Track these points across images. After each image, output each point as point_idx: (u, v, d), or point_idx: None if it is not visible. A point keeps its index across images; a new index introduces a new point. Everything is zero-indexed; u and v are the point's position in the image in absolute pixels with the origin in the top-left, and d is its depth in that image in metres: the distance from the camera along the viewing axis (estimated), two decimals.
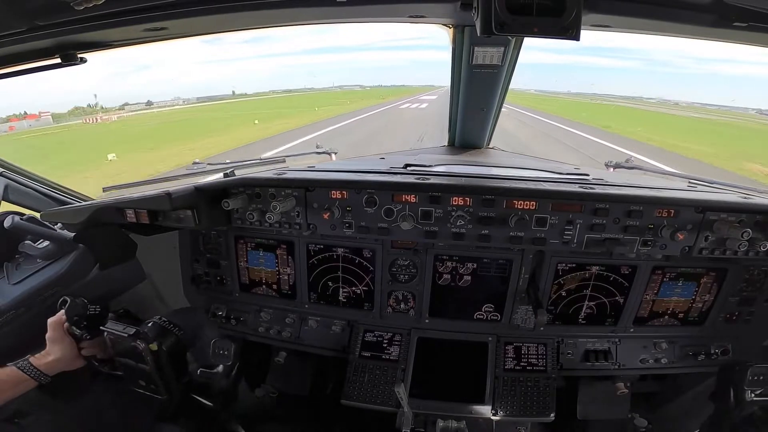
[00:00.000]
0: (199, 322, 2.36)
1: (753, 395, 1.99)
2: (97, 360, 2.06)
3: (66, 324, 1.93)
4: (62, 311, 1.93)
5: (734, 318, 2.18)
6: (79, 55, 1.61)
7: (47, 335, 1.90)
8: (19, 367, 1.79)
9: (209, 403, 2.18)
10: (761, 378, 1.96)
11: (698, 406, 2.40)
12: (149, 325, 2.03)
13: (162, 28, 1.50)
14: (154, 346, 1.92)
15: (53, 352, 1.88)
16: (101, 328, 1.94)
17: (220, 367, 2.14)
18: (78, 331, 1.94)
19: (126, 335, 1.88)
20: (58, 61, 1.59)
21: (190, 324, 2.21)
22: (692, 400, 2.46)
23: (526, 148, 13.01)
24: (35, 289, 2.11)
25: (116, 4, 1.15)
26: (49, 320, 1.92)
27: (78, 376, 2.01)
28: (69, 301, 1.92)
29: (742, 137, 23.89)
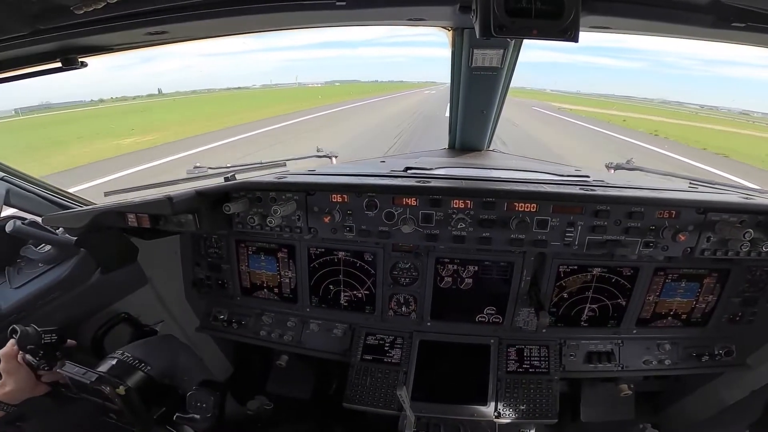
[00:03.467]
0: (171, 349, 2.11)
1: None
2: (61, 386, 1.88)
3: (20, 354, 1.79)
4: (11, 341, 1.77)
5: (737, 319, 2.17)
6: (80, 59, 1.61)
7: (0, 367, 1.78)
8: None
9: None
10: None
11: (704, 407, 2.39)
12: (113, 363, 1.83)
13: (163, 32, 1.50)
14: (121, 390, 1.70)
15: (8, 384, 1.76)
16: (57, 371, 1.76)
17: (199, 417, 1.88)
18: (35, 360, 1.79)
19: (88, 382, 1.69)
20: (59, 65, 1.60)
21: (162, 355, 2.00)
22: (698, 403, 2.45)
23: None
24: (37, 293, 2.10)
25: (117, 8, 1.15)
26: (0, 352, 1.79)
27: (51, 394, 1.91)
28: (19, 330, 1.75)
29: None
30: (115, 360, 1.84)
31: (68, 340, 1.90)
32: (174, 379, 1.94)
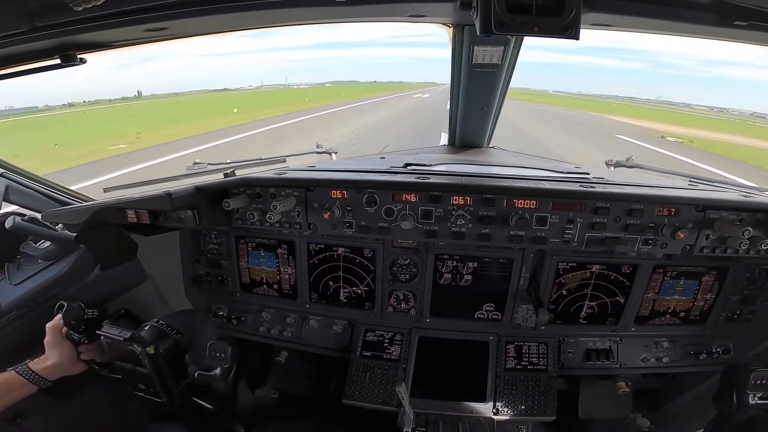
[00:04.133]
0: (198, 323, 2.34)
1: (756, 399, 1.98)
2: (96, 364, 2.04)
3: (64, 329, 1.91)
4: (59, 315, 1.91)
5: (735, 317, 2.18)
6: (79, 56, 1.61)
7: (45, 340, 1.89)
8: (18, 372, 1.79)
9: (209, 406, 2.17)
10: (764, 382, 1.96)
11: (700, 405, 2.40)
12: (146, 328, 2.02)
13: (162, 29, 1.50)
14: (151, 350, 1.89)
15: (52, 357, 1.87)
16: (97, 332, 1.91)
17: (218, 370, 2.11)
18: (76, 335, 1.93)
19: (122, 339, 1.86)
20: (58, 61, 1.59)
21: (189, 326, 2.18)
22: (694, 399, 2.46)
23: None
24: (37, 289, 2.11)
25: (116, 4, 1.15)
26: (47, 325, 1.91)
27: (79, 379, 2.00)
28: (66, 305, 1.90)
29: None
30: (148, 325, 2.05)
31: (106, 317, 2.04)
32: (197, 348, 2.16)
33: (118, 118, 26.78)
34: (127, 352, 1.90)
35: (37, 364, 1.83)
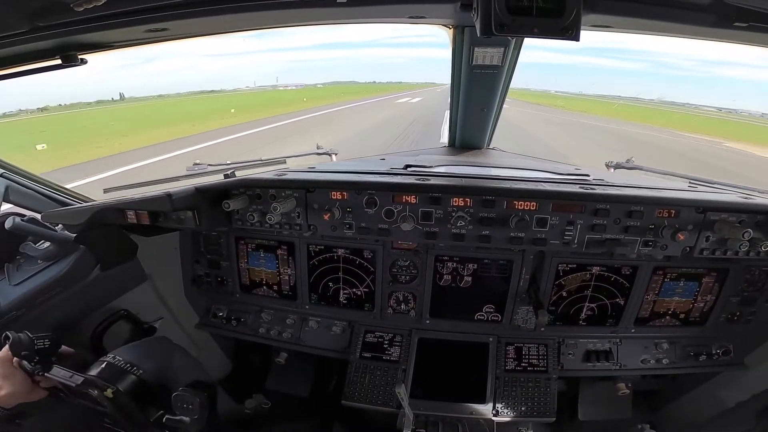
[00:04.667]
0: (165, 351, 2.10)
1: None
2: (61, 391, 1.85)
3: (14, 359, 1.75)
4: (6, 347, 1.74)
5: (735, 318, 2.18)
6: (80, 56, 1.60)
7: None
8: None
9: None
10: None
11: (700, 406, 2.40)
12: (103, 366, 1.81)
13: (163, 29, 1.50)
14: (109, 393, 1.69)
15: (4, 387, 1.74)
16: (45, 375, 1.74)
17: (188, 419, 1.84)
18: (29, 366, 1.75)
19: (74, 385, 1.68)
20: (59, 62, 1.59)
21: (155, 357, 1.99)
22: (695, 402, 2.46)
23: None
24: (36, 289, 2.10)
25: (117, 5, 1.15)
26: None
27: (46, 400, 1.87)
28: (12, 337, 1.72)
29: None
30: (105, 363, 1.82)
31: (63, 347, 1.87)
32: (168, 382, 1.91)
33: (91, 124, 23.41)
34: (83, 396, 1.73)
35: None
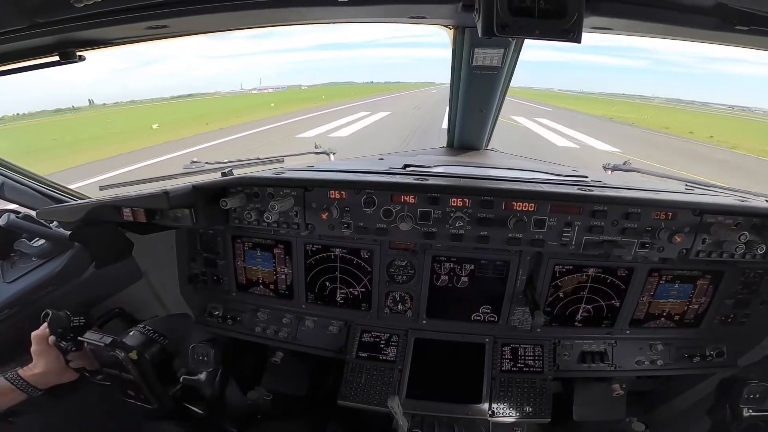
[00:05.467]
0: (186, 327, 2.32)
1: (750, 411, 2.00)
2: (87, 371, 2.02)
3: (51, 337, 1.88)
4: (45, 324, 1.88)
5: (730, 320, 2.20)
6: (78, 53, 1.59)
7: (32, 349, 1.87)
8: (7, 378, 1.77)
9: (200, 411, 2.15)
10: (757, 396, 1.98)
11: (694, 408, 2.41)
12: (131, 334, 1.99)
13: (163, 26, 1.49)
14: (134, 355, 1.86)
15: (39, 366, 1.85)
16: (79, 338, 1.89)
17: (203, 374, 2.09)
18: (63, 343, 1.90)
19: (102, 345, 1.83)
20: (57, 58, 1.58)
21: (177, 331, 2.16)
22: (688, 402, 2.48)
23: None
24: (31, 287, 2.09)
25: (117, 1, 1.14)
26: (33, 334, 1.88)
27: (72, 384, 1.99)
28: (51, 313, 1.87)
29: None
30: (133, 331, 2.02)
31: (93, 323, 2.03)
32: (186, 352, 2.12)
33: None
34: (110, 358, 1.88)
35: (26, 372, 1.82)
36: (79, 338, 1.89)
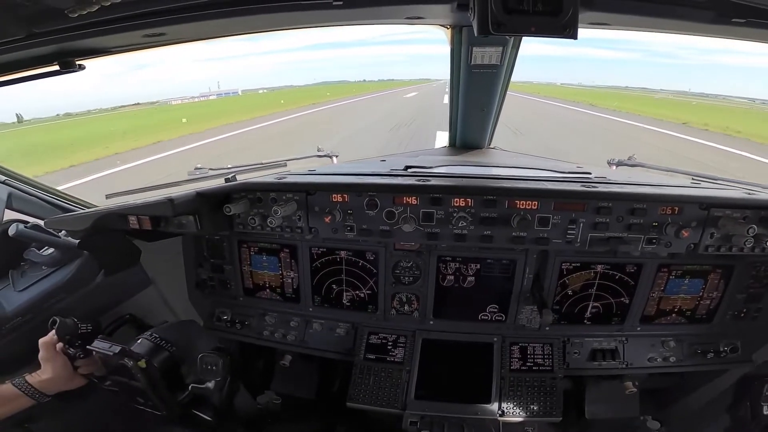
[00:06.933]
0: (194, 334, 2.32)
1: None
2: (95, 377, 2.03)
3: (59, 344, 1.90)
4: (53, 331, 1.89)
5: (742, 315, 2.16)
6: (78, 62, 1.61)
7: (39, 355, 1.88)
8: (15, 384, 1.78)
9: (208, 418, 2.15)
10: None
11: (709, 405, 2.38)
12: (138, 342, 2.01)
13: (160, 34, 1.50)
14: (142, 363, 1.87)
15: (46, 372, 1.86)
16: (88, 347, 1.90)
17: (212, 383, 2.08)
18: (71, 350, 1.92)
19: (111, 353, 1.84)
20: (57, 68, 1.60)
21: (185, 338, 2.17)
22: (703, 399, 2.44)
23: None
24: (41, 295, 2.12)
25: (113, 10, 1.14)
26: (40, 340, 1.90)
27: (81, 389, 2.00)
28: (59, 321, 1.87)
29: None
30: (141, 339, 2.04)
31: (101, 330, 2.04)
32: (194, 360, 2.11)
33: None
34: (119, 366, 1.89)
35: (34, 378, 1.83)
36: (87, 347, 1.90)
